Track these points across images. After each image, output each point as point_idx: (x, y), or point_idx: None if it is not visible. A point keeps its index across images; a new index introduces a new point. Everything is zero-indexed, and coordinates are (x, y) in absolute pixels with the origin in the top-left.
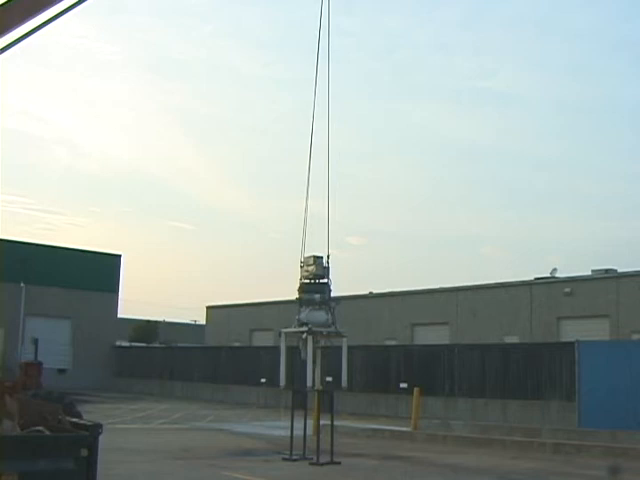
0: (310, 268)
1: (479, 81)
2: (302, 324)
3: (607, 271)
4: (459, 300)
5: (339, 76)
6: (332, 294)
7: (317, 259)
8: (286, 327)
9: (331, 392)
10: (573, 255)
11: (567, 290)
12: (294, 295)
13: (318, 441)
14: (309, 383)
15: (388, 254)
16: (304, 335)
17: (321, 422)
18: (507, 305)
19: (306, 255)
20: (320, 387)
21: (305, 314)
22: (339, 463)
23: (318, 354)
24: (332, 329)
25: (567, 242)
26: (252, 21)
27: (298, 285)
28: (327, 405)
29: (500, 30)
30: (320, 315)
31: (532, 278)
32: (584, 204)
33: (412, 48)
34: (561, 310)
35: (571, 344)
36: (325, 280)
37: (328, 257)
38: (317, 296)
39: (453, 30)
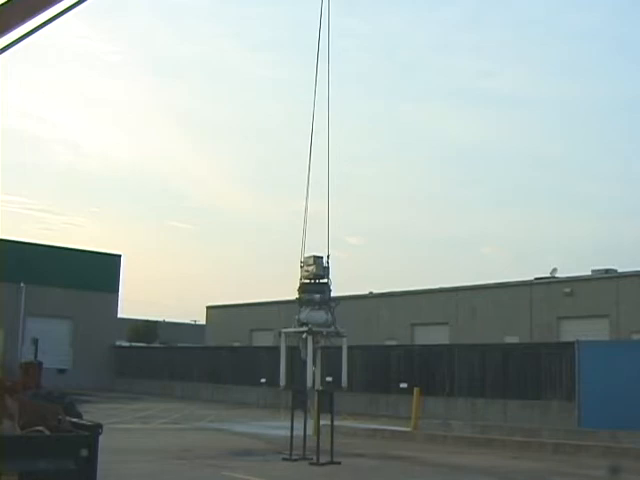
0: (310, 268)
1: (479, 81)
2: (302, 324)
3: (607, 271)
4: (459, 300)
5: (339, 76)
6: (332, 294)
7: (317, 259)
8: (286, 327)
9: (331, 392)
10: (573, 255)
11: (567, 290)
12: (294, 295)
13: (318, 441)
14: (309, 383)
15: (388, 254)
16: (304, 335)
17: (321, 422)
18: (507, 305)
19: (306, 255)
20: (320, 387)
21: (305, 314)
22: (339, 463)
23: (318, 354)
24: (332, 329)
25: (567, 242)
26: (252, 21)
27: (298, 285)
28: (327, 405)
29: (500, 30)
30: (320, 315)
31: (532, 278)
32: (584, 204)
33: (412, 48)
34: (561, 310)
35: (571, 344)
36: (325, 280)
37: (328, 257)
38: (317, 296)
39: (453, 30)
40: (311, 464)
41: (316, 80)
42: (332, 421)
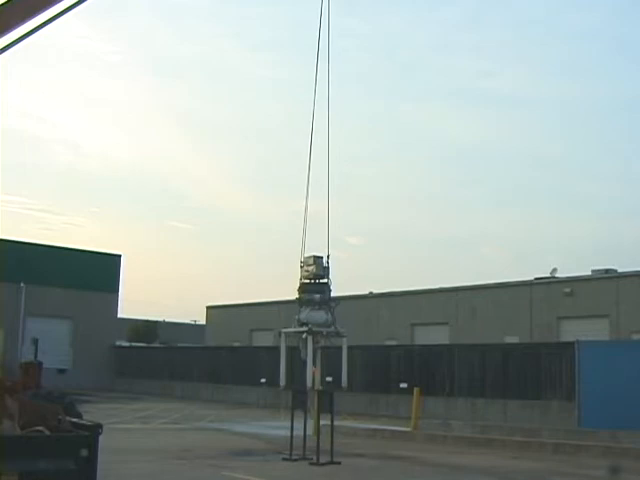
0: (310, 268)
1: (479, 81)
2: (302, 324)
3: (607, 271)
4: (459, 300)
5: (339, 76)
6: (332, 294)
7: (317, 259)
8: (286, 327)
9: (331, 392)
10: (573, 255)
11: (567, 290)
12: (294, 295)
13: (318, 441)
14: (309, 383)
15: (388, 254)
16: (304, 335)
17: (321, 422)
18: (507, 305)
19: (306, 255)
20: (320, 387)
21: (305, 314)
22: (339, 463)
23: (318, 354)
24: (332, 329)
25: (567, 242)
26: (252, 21)
27: (298, 285)
28: (327, 405)
29: (500, 30)
30: (320, 315)
31: (532, 278)
32: (584, 204)
33: (412, 48)
34: (561, 310)
35: (571, 344)
36: (325, 280)
37: (328, 257)
38: (317, 296)
39: (453, 30)
40: (311, 464)
41: (316, 80)
42: (332, 421)
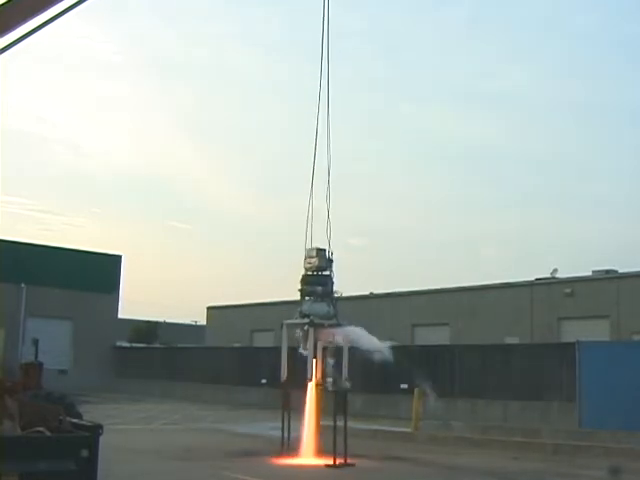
0: (313, 260)
1: (480, 81)
2: (304, 316)
3: (607, 272)
4: (460, 301)
5: (340, 76)
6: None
7: (320, 251)
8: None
9: (336, 391)
10: (573, 255)
11: (568, 291)
12: (295, 296)
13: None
14: (310, 376)
15: (389, 255)
16: (305, 327)
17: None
18: (508, 306)
19: (309, 247)
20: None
21: (307, 306)
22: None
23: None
24: (334, 321)
25: (567, 242)
26: (254, 22)
27: (301, 277)
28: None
29: (500, 30)
30: (322, 307)
31: (533, 279)
32: (584, 204)
33: (412, 48)
34: (562, 311)
35: (571, 344)
36: (328, 272)
37: (331, 252)
38: (319, 288)
39: (454, 30)
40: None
41: (320, 81)
42: (344, 422)
